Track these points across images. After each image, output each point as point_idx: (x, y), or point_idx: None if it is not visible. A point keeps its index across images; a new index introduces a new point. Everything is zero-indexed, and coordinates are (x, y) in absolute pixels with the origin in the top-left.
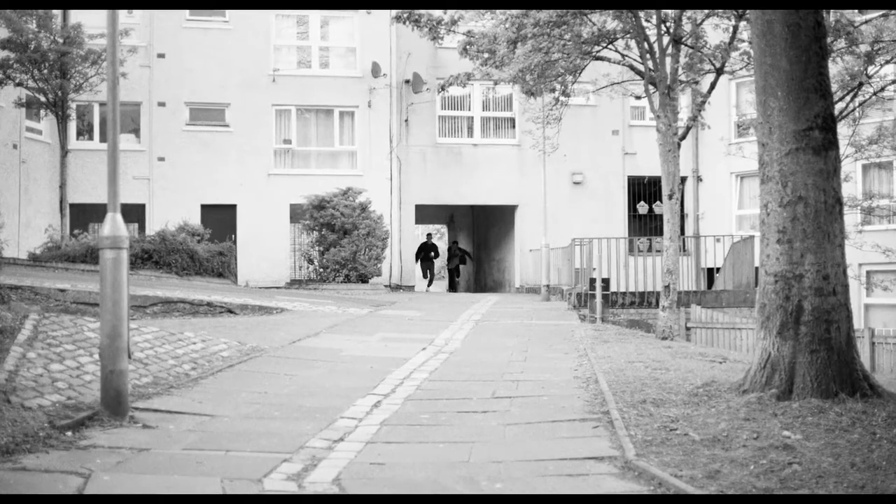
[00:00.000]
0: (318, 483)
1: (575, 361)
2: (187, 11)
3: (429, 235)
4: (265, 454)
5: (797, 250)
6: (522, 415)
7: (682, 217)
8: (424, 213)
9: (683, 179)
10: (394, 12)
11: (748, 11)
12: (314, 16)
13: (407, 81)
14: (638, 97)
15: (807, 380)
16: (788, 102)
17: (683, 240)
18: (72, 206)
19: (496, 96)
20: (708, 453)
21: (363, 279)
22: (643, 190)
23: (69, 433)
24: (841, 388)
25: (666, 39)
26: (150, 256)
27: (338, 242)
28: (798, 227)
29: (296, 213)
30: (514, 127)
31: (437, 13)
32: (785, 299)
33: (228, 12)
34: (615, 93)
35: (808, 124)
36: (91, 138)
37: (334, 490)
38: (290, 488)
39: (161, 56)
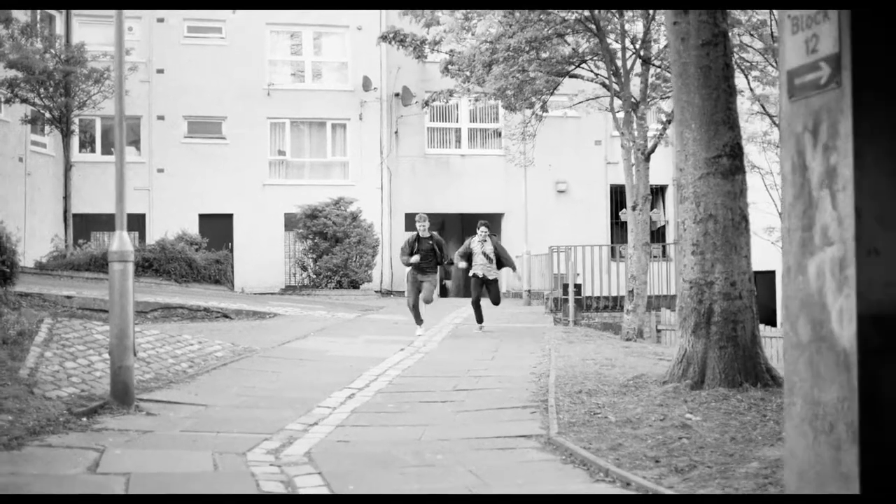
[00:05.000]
0: (292, 455)
1: (537, 360)
2: (185, 28)
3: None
4: (250, 434)
5: (708, 261)
6: (474, 403)
7: (664, 223)
8: (414, 222)
9: (663, 188)
10: (380, 32)
11: (668, 57)
12: (307, 31)
13: (397, 95)
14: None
15: (716, 372)
16: (701, 133)
17: (663, 246)
18: (75, 215)
19: (483, 108)
20: (618, 431)
21: (355, 285)
22: (625, 198)
23: (84, 419)
24: (745, 379)
25: (630, 62)
26: (150, 265)
27: (330, 250)
28: (709, 241)
29: (290, 222)
30: (500, 137)
31: (420, 33)
32: (698, 303)
33: (225, 29)
34: (591, 107)
35: (718, 152)
36: (93, 151)
37: (304, 461)
38: (269, 459)
39: (160, 71)
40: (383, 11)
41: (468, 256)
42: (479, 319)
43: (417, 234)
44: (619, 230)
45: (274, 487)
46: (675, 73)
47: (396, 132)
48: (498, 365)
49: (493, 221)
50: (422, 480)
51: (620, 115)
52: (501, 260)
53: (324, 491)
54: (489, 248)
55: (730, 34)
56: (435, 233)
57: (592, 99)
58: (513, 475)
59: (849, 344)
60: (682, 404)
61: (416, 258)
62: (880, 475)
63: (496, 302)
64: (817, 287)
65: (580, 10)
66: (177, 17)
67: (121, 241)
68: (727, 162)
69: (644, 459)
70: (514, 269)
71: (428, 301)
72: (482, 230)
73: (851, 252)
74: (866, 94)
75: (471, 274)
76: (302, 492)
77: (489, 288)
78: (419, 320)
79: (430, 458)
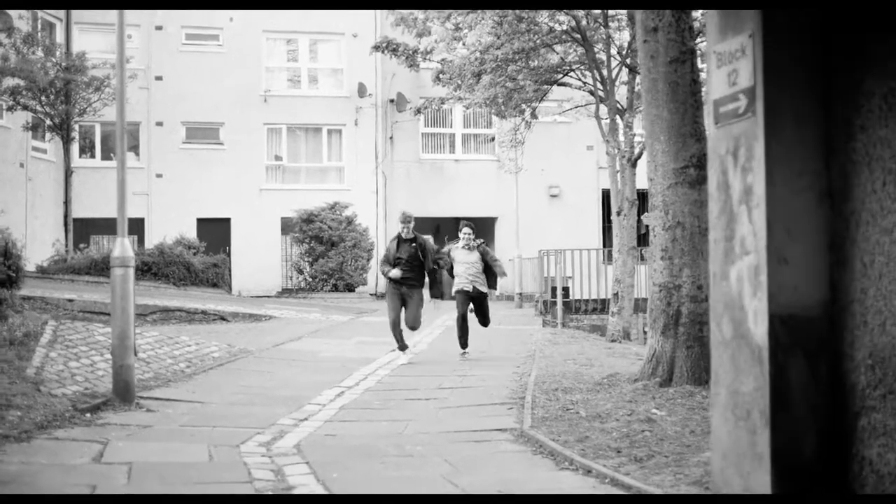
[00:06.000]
0: (283, 447)
1: (521, 360)
2: (184, 35)
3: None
4: (244, 429)
5: (676, 265)
6: (456, 401)
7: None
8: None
9: None
10: (375, 39)
11: (639, 69)
12: (303, 38)
13: (392, 101)
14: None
15: (683, 370)
16: (669, 145)
17: None
18: (75, 220)
19: (476, 114)
20: (587, 425)
21: (350, 288)
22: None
23: (88, 415)
24: (711, 377)
25: (616, 71)
26: (149, 268)
27: (325, 254)
28: (677, 247)
29: (286, 226)
30: (493, 141)
31: (412, 43)
32: (667, 305)
33: (222, 36)
34: (580, 114)
35: (685, 163)
36: (93, 156)
37: (293, 452)
38: (261, 451)
39: (159, 78)
40: (378, 19)
41: (449, 270)
42: (464, 343)
43: (398, 236)
44: (611, 233)
45: (264, 475)
46: (646, 89)
47: (391, 138)
48: (483, 365)
49: (486, 225)
50: (400, 469)
51: (607, 122)
52: (491, 268)
53: (310, 478)
54: (475, 258)
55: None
56: (424, 236)
57: (581, 106)
58: (485, 464)
59: (762, 340)
60: (649, 400)
61: (396, 272)
62: (787, 455)
63: (485, 323)
64: (737, 291)
65: (567, 22)
66: (175, 25)
67: (122, 248)
68: (694, 172)
69: (607, 450)
70: (503, 275)
71: (414, 326)
72: (465, 232)
73: (764, 260)
74: (777, 122)
75: (455, 290)
76: (290, 479)
77: (478, 304)
78: (402, 344)
79: (410, 450)
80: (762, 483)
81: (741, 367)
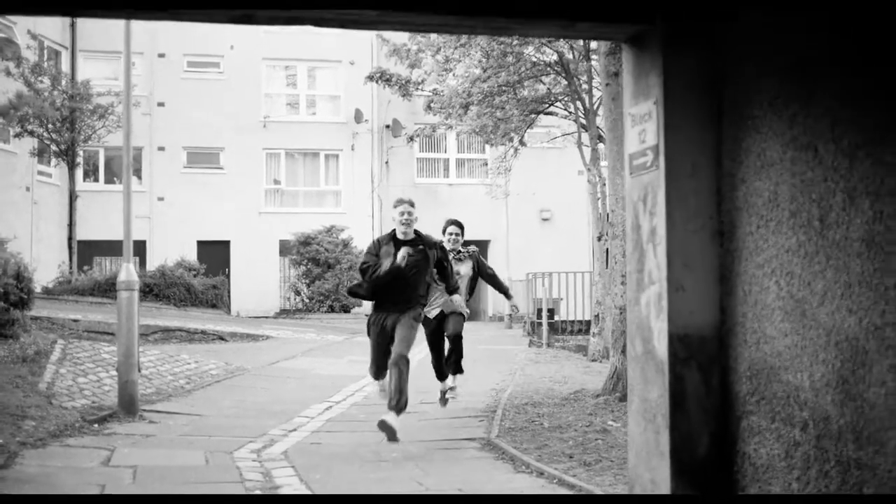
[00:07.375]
0: (272, 454)
1: (501, 378)
2: (185, 63)
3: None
4: (237, 438)
5: None
6: (435, 414)
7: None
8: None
9: None
10: (367, 72)
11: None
12: (301, 66)
13: (387, 126)
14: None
15: None
16: None
17: None
18: (79, 242)
19: (470, 139)
20: (548, 435)
21: (346, 309)
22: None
23: (96, 425)
24: None
25: (597, 103)
26: (150, 290)
27: (322, 276)
28: None
29: (284, 249)
30: (486, 166)
31: (405, 73)
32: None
33: (223, 64)
34: (568, 141)
35: None
36: (97, 180)
37: (281, 457)
38: (252, 456)
39: (161, 104)
40: (374, 48)
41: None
42: (442, 373)
43: (392, 235)
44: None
45: (254, 476)
46: (607, 128)
47: (387, 162)
48: (464, 383)
49: (479, 247)
50: (376, 472)
51: (587, 151)
52: (493, 284)
53: (294, 479)
54: (466, 269)
55: None
56: (436, 238)
57: (569, 134)
58: (451, 468)
59: (663, 356)
60: (608, 413)
61: (402, 253)
62: (684, 452)
63: (454, 337)
64: (646, 314)
65: (551, 55)
66: (177, 53)
67: (127, 273)
68: None
69: (561, 456)
70: (508, 297)
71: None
72: (451, 232)
73: (665, 289)
74: (676, 174)
75: (429, 313)
76: (277, 479)
77: (449, 317)
78: (391, 390)
79: (386, 456)
80: (664, 476)
81: (649, 378)
